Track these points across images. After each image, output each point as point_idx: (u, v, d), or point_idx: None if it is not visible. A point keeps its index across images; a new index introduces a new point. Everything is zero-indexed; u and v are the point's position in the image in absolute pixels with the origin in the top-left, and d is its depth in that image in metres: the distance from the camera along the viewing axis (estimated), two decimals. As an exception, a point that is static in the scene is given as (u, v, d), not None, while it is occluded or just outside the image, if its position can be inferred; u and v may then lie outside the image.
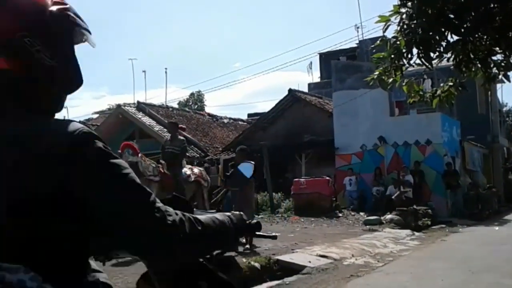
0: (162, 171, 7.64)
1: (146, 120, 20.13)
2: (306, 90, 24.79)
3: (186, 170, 8.15)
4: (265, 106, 72.93)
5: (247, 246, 7.44)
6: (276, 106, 19.49)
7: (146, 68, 60.59)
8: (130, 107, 21.79)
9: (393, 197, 13.74)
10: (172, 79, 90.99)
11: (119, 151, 7.74)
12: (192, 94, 48.45)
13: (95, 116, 35.13)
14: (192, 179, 8.07)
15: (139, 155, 7.46)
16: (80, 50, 1.21)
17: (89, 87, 78.02)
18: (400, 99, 15.56)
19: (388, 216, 12.16)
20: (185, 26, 77.82)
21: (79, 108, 73.88)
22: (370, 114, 16.06)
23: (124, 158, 7.43)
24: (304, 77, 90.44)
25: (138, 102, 22.66)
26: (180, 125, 8.82)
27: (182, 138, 8.34)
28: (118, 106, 22.51)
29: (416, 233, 10.77)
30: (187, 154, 8.41)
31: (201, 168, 8.53)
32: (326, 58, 26.89)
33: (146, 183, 7.47)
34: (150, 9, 79.02)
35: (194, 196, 8.17)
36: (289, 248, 7.63)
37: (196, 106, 46.45)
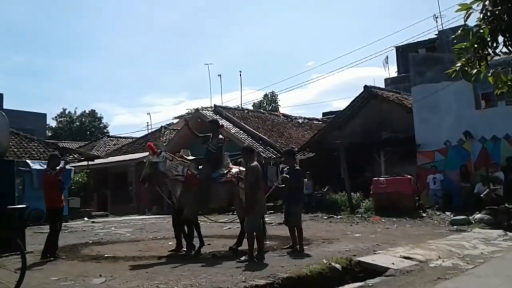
0: (190, 172, 7.64)
1: (223, 122, 20.80)
2: (382, 85, 24.08)
3: (223, 170, 7.88)
4: (340, 104, 71.74)
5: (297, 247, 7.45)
6: (351, 103, 19.14)
7: (222, 72, 62.61)
8: (208, 110, 22.67)
9: (482, 195, 12.87)
10: (246, 82, 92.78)
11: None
12: (266, 95, 49.13)
13: (175, 121, 36.95)
14: (223, 179, 7.75)
15: (161, 154, 7.60)
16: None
17: (169, 94, 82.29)
18: (487, 91, 14.55)
19: (477, 216, 11.45)
20: (257, 28, 79.07)
21: (160, 114, 77.81)
22: (454, 108, 15.21)
23: (148, 157, 7.84)
24: (380, 72, 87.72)
25: (215, 105, 23.52)
26: (220, 124, 8.67)
27: (221, 137, 8.11)
28: (196, 110, 23.58)
29: (509, 234, 9.98)
30: (224, 153, 8.08)
31: (242, 169, 7.92)
32: (403, 52, 25.96)
33: (172, 182, 7.71)
34: (223, 13, 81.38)
35: (231, 196, 7.81)
36: (370, 249, 7.48)
37: (270, 107, 46.94)
